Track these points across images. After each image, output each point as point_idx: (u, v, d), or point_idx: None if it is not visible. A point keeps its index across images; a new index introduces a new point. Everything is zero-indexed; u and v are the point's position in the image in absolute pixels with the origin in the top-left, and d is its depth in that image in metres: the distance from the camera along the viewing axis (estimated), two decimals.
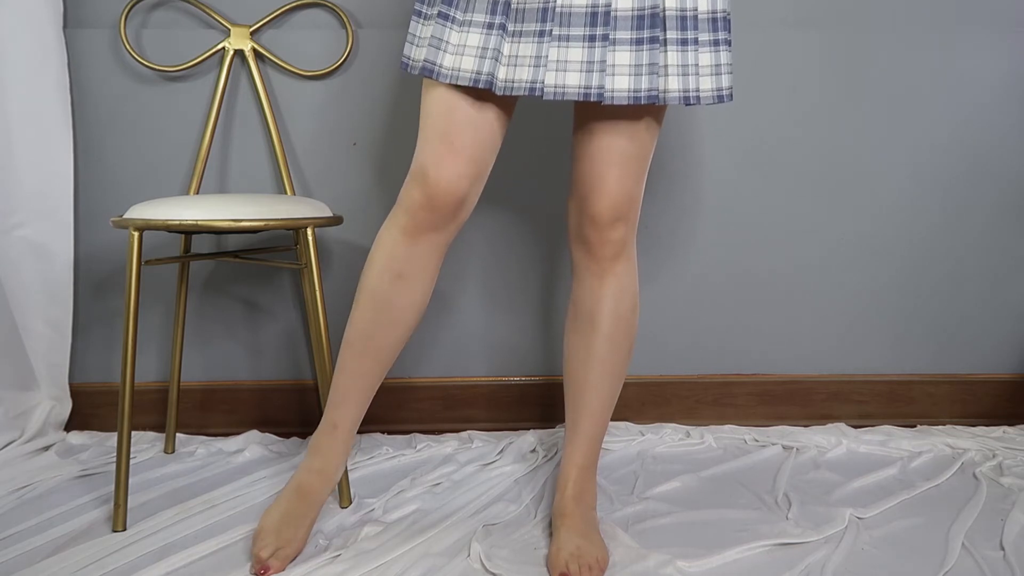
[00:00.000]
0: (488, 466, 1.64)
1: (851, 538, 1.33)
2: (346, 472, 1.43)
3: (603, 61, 1.14)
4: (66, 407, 1.82)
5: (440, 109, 1.21)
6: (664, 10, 1.15)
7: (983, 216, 1.89)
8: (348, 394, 1.32)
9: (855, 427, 1.85)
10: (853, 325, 1.92)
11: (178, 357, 1.72)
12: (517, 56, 1.16)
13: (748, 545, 1.30)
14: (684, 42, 1.16)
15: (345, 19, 1.78)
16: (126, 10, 1.73)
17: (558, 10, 1.14)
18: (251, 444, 1.73)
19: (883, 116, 1.86)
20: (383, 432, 1.84)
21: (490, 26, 1.17)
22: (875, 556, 1.29)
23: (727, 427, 1.87)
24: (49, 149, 1.73)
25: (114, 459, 1.65)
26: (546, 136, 1.83)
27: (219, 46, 1.74)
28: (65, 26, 1.74)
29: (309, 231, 1.45)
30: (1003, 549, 1.30)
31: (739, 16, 1.78)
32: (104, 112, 1.81)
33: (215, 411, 1.88)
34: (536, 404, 1.90)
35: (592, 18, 1.14)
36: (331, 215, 1.52)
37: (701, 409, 1.91)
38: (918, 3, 1.83)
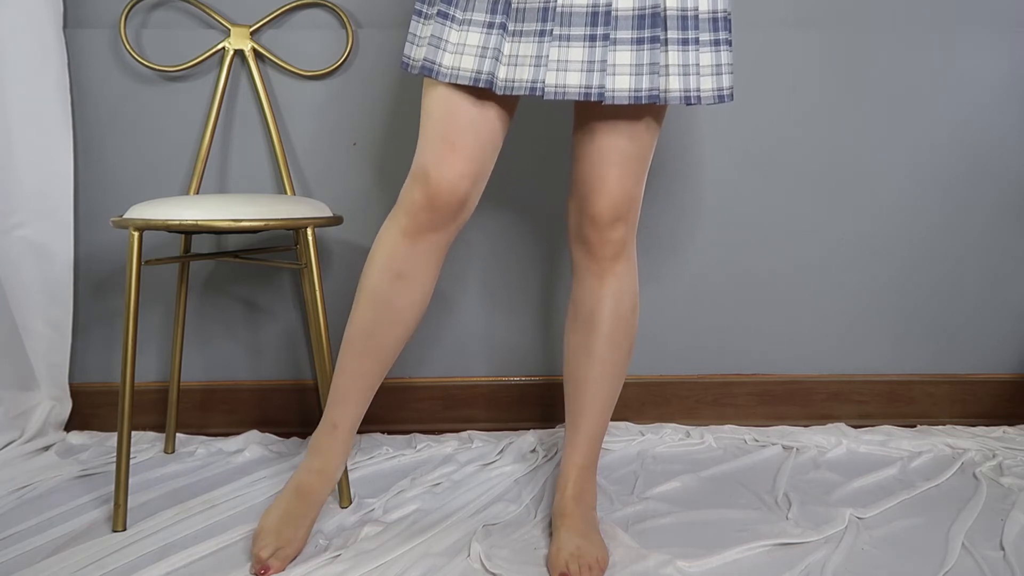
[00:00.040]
0: (488, 466, 1.64)
1: (851, 538, 1.33)
2: (346, 472, 1.43)
3: (604, 61, 1.14)
4: (66, 407, 1.82)
5: (441, 109, 1.20)
6: (665, 10, 1.15)
7: (983, 216, 1.89)
8: (348, 394, 1.32)
9: (855, 427, 1.85)
10: (853, 325, 1.92)
11: (178, 357, 1.72)
12: (517, 56, 1.16)
13: (748, 545, 1.30)
14: (685, 42, 1.16)
15: (345, 19, 1.78)
16: (126, 10, 1.73)
17: (559, 10, 1.14)
18: (251, 444, 1.73)
19: (883, 116, 1.86)
20: (383, 432, 1.84)
21: (490, 25, 1.17)
22: (875, 556, 1.29)
23: (727, 427, 1.87)
24: (49, 149, 1.73)
25: (114, 459, 1.65)
26: (546, 136, 1.83)
27: (219, 46, 1.74)
28: (65, 26, 1.74)
29: (309, 231, 1.45)
30: (1003, 549, 1.30)
31: (739, 16, 1.78)
32: (104, 112, 1.81)
33: (215, 411, 1.88)
34: (536, 404, 1.90)
35: (593, 18, 1.14)
36: (331, 215, 1.52)
37: (701, 409, 1.91)
38: (918, 3, 1.83)
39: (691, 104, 1.18)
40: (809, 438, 1.78)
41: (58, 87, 1.72)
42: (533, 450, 1.71)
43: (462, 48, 1.17)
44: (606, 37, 1.14)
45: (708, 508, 1.46)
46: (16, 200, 1.72)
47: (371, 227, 1.83)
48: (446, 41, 1.18)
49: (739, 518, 1.42)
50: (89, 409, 1.85)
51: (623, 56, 1.14)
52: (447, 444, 1.75)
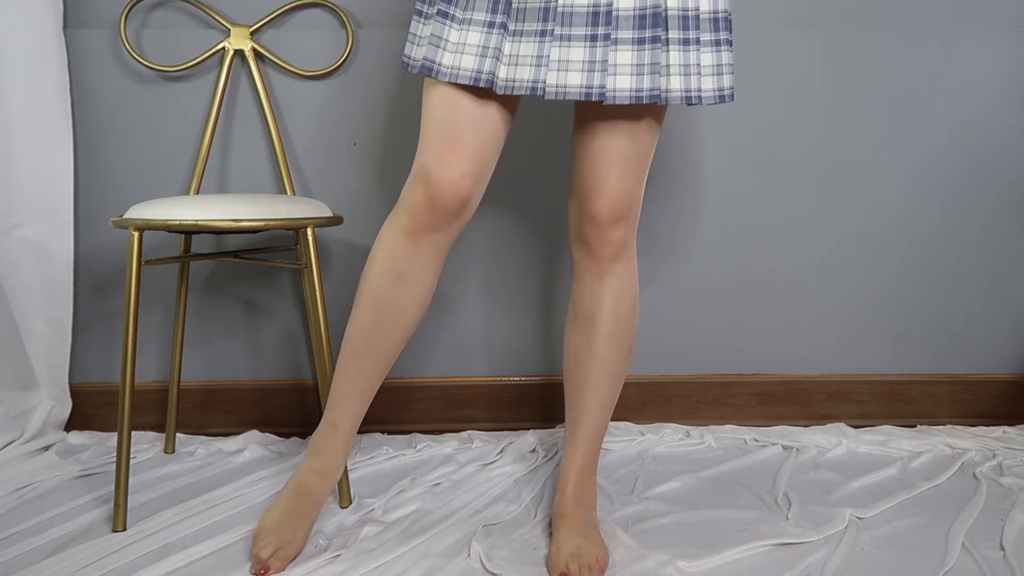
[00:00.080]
0: (488, 466, 1.64)
1: (851, 538, 1.33)
2: (346, 472, 1.43)
3: (605, 61, 1.14)
4: (66, 407, 1.82)
5: (442, 109, 1.20)
6: (666, 10, 1.15)
7: (983, 216, 1.89)
8: (348, 394, 1.32)
9: (855, 427, 1.85)
10: (853, 325, 1.92)
11: (178, 357, 1.72)
12: (518, 55, 1.16)
13: (748, 545, 1.30)
14: (686, 42, 1.16)
15: (345, 19, 1.78)
16: (126, 10, 1.73)
17: (559, 10, 1.14)
18: (251, 444, 1.73)
19: (883, 116, 1.86)
20: (383, 432, 1.84)
21: (491, 25, 1.16)
22: (875, 556, 1.28)
23: (727, 427, 1.87)
24: (49, 149, 1.73)
25: (114, 459, 1.65)
26: (546, 136, 1.83)
27: (219, 46, 1.74)
28: (65, 26, 1.74)
29: (309, 231, 1.45)
30: (1003, 549, 1.30)
31: (739, 16, 1.78)
32: (104, 112, 1.81)
33: (215, 411, 1.88)
34: (536, 404, 1.90)
35: (594, 18, 1.14)
36: (331, 215, 1.52)
37: (701, 409, 1.91)
38: (918, 3, 1.83)
39: (692, 104, 1.18)
40: (809, 438, 1.78)
41: (58, 87, 1.72)
42: (533, 450, 1.71)
43: (462, 47, 1.17)
44: (607, 37, 1.14)
45: (708, 508, 1.46)
46: (16, 200, 1.72)
47: (371, 227, 1.83)
48: (446, 40, 1.18)
49: (739, 518, 1.42)
50: (89, 409, 1.85)
51: (624, 56, 1.14)
52: (447, 444, 1.75)
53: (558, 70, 1.15)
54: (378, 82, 1.82)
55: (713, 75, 1.18)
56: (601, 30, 1.14)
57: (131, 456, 1.57)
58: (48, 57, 1.70)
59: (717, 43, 1.18)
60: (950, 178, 1.88)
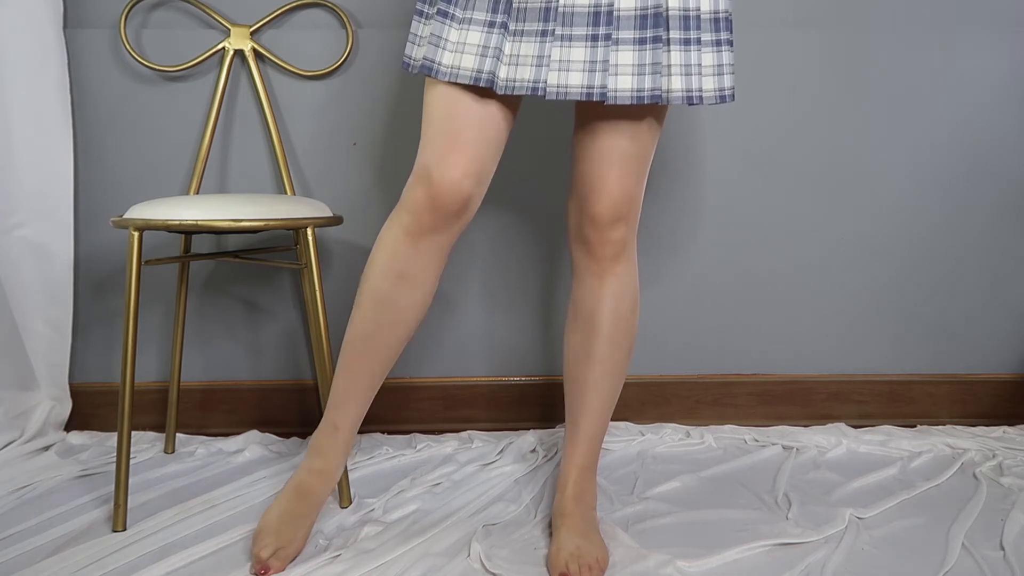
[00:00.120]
0: (488, 466, 1.64)
1: (851, 538, 1.33)
2: (346, 472, 1.43)
3: (606, 61, 1.14)
4: (66, 407, 1.82)
5: (443, 108, 1.20)
6: (667, 10, 1.15)
7: (983, 216, 1.89)
8: (349, 394, 1.32)
9: (855, 427, 1.85)
10: (853, 325, 1.92)
11: (178, 357, 1.72)
12: (519, 55, 1.16)
13: (748, 545, 1.30)
14: (687, 42, 1.16)
15: (345, 19, 1.78)
16: (126, 10, 1.73)
17: (560, 10, 1.14)
18: (251, 444, 1.73)
19: (883, 116, 1.86)
20: (383, 432, 1.84)
21: (491, 24, 1.16)
22: (875, 556, 1.29)
23: (727, 427, 1.87)
24: (49, 149, 1.73)
25: (114, 459, 1.65)
26: (547, 136, 1.83)
27: (219, 46, 1.74)
28: (65, 26, 1.74)
29: (309, 231, 1.45)
30: (1003, 549, 1.30)
31: (739, 16, 1.78)
32: (104, 112, 1.81)
33: (215, 411, 1.88)
34: (536, 404, 1.90)
35: (595, 18, 1.14)
36: (331, 215, 1.52)
37: (701, 409, 1.91)
38: (918, 3, 1.83)
39: (693, 104, 1.18)
40: (809, 438, 1.78)
41: (58, 87, 1.72)
42: (533, 450, 1.71)
43: (462, 47, 1.17)
44: (608, 37, 1.14)
45: (708, 508, 1.46)
46: (16, 200, 1.72)
47: (371, 227, 1.83)
48: (446, 40, 1.18)
49: (739, 518, 1.42)
50: (89, 409, 1.85)
51: (625, 56, 1.14)
52: (447, 444, 1.75)
53: (559, 70, 1.15)
54: (378, 82, 1.82)
55: (714, 75, 1.18)
56: (602, 30, 1.14)
57: (131, 456, 1.57)
58: (48, 57, 1.70)
59: (718, 43, 1.18)
60: (950, 178, 1.88)
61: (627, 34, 1.14)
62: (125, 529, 1.35)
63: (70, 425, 1.83)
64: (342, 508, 1.44)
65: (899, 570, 1.24)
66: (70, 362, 1.82)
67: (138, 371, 1.85)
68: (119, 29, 1.74)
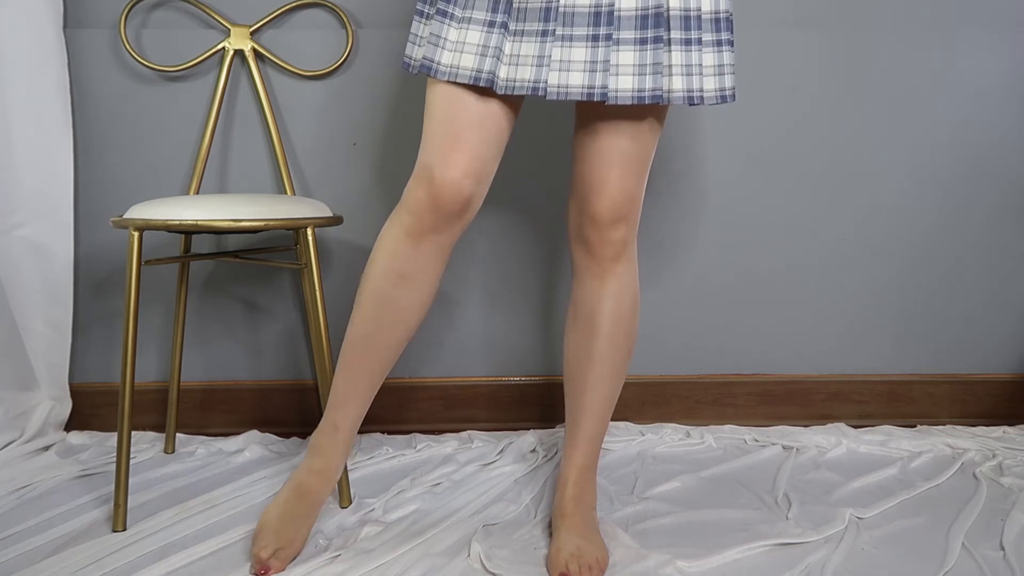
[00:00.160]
0: (488, 466, 1.64)
1: (851, 538, 1.33)
2: (346, 472, 1.43)
3: (607, 61, 1.14)
4: (66, 407, 1.82)
5: (445, 108, 1.20)
6: (668, 10, 1.15)
7: (983, 216, 1.89)
8: (349, 395, 1.32)
9: (855, 427, 1.85)
10: (853, 325, 1.92)
11: (178, 357, 1.72)
12: (519, 55, 1.16)
13: (748, 545, 1.30)
14: (688, 42, 1.16)
15: (345, 19, 1.78)
16: (126, 10, 1.73)
17: (561, 10, 1.14)
18: (251, 444, 1.73)
19: (883, 116, 1.86)
20: (383, 432, 1.84)
21: (491, 24, 1.16)
22: (875, 556, 1.29)
23: (727, 427, 1.87)
24: (49, 149, 1.73)
25: (114, 459, 1.65)
26: (547, 136, 1.83)
27: (219, 46, 1.74)
28: (65, 26, 1.74)
29: (309, 231, 1.45)
30: (1003, 549, 1.30)
31: (739, 16, 1.78)
32: (104, 112, 1.81)
33: (215, 411, 1.88)
34: (536, 404, 1.90)
35: (595, 18, 1.14)
36: (331, 215, 1.52)
37: (701, 409, 1.91)
38: (918, 3, 1.83)
39: (694, 104, 1.17)
40: (809, 438, 1.78)
41: (58, 87, 1.72)
42: (533, 450, 1.71)
43: (461, 46, 1.17)
44: (609, 37, 1.14)
45: (708, 508, 1.46)
46: (16, 200, 1.72)
47: (371, 227, 1.83)
48: (445, 39, 1.18)
49: (739, 518, 1.42)
50: (89, 409, 1.85)
51: (626, 56, 1.14)
52: (447, 444, 1.75)
53: (560, 70, 1.15)
54: (378, 82, 1.82)
55: (715, 75, 1.18)
56: (603, 30, 1.14)
57: (131, 456, 1.57)
58: (48, 57, 1.70)
59: (719, 43, 1.18)
60: (950, 178, 1.88)
61: (628, 34, 1.14)
62: (125, 529, 1.35)
63: (70, 425, 1.83)
64: (342, 508, 1.44)
65: (899, 570, 1.24)
66: (70, 362, 1.82)
67: (138, 371, 1.85)
68: (119, 29, 1.74)
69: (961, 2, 1.83)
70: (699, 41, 1.16)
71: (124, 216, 1.42)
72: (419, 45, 1.22)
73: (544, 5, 1.15)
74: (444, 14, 1.18)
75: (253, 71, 1.74)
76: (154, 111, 1.81)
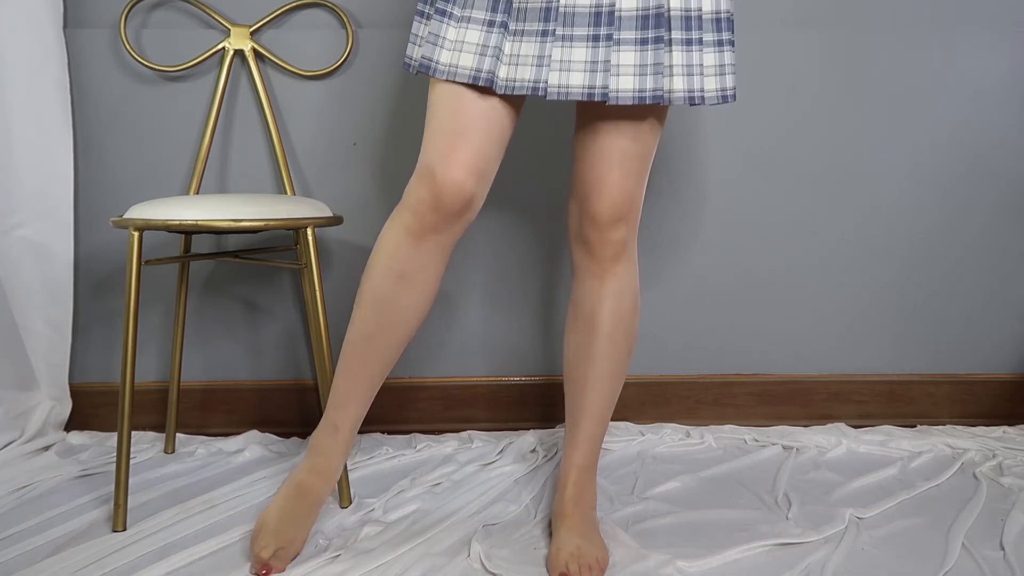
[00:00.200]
0: (488, 466, 1.64)
1: (851, 538, 1.33)
2: (346, 472, 1.43)
3: (607, 61, 1.14)
4: (66, 407, 1.82)
5: (447, 107, 1.19)
6: (669, 10, 1.14)
7: (983, 216, 1.89)
8: (349, 395, 1.32)
9: (855, 427, 1.85)
10: (853, 325, 1.92)
11: (178, 357, 1.72)
12: (519, 55, 1.16)
13: (748, 545, 1.30)
14: (689, 42, 1.16)
15: (345, 19, 1.78)
16: (126, 10, 1.73)
17: (561, 10, 1.14)
18: (251, 444, 1.73)
19: (883, 116, 1.86)
20: (383, 432, 1.84)
21: (490, 23, 1.16)
22: (875, 556, 1.29)
23: (727, 427, 1.87)
24: (49, 149, 1.73)
25: (114, 459, 1.65)
26: (547, 136, 1.83)
27: (219, 46, 1.74)
28: (65, 26, 1.74)
29: (309, 231, 1.45)
30: (1003, 549, 1.30)
31: (739, 16, 1.78)
32: (104, 112, 1.81)
33: (215, 411, 1.88)
34: (536, 404, 1.90)
35: (596, 18, 1.14)
36: (331, 215, 1.52)
37: (701, 409, 1.91)
38: (918, 3, 1.83)
39: (695, 104, 1.18)
40: (809, 438, 1.78)
41: (58, 87, 1.72)
42: (533, 450, 1.71)
43: (460, 45, 1.17)
44: (609, 37, 1.14)
45: (708, 508, 1.46)
46: (16, 200, 1.72)
47: (371, 227, 1.83)
48: (443, 38, 1.18)
49: (739, 518, 1.42)
50: (89, 409, 1.85)
51: (627, 56, 1.14)
52: (447, 444, 1.75)
53: (560, 70, 1.15)
54: (378, 82, 1.82)
55: (716, 75, 1.18)
56: (603, 30, 1.14)
57: (131, 456, 1.57)
58: (48, 57, 1.70)
59: (719, 43, 1.18)
60: (950, 178, 1.88)
61: (628, 34, 1.14)
62: (125, 529, 1.35)
63: (70, 425, 1.83)
64: (342, 508, 1.44)
65: (899, 570, 1.24)
66: (70, 362, 1.82)
67: (138, 371, 1.85)
68: (119, 29, 1.74)
69: (961, 2, 1.83)
70: (700, 41, 1.16)
71: (124, 216, 1.42)
72: (419, 45, 1.22)
73: (544, 5, 1.15)
74: (443, 13, 1.18)
75: (253, 71, 1.74)
76: (154, 111, 1.81)
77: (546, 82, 1.15)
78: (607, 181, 1.24)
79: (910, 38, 1.84)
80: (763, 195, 1.88)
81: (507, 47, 1.16)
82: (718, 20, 1.18)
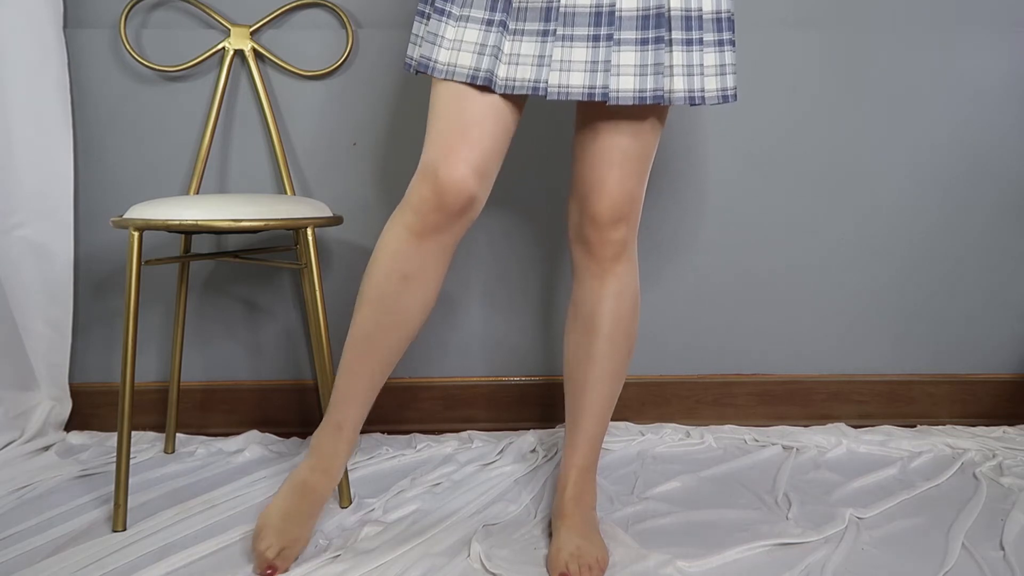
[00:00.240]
0: (488, 466, 1.64)
1: (851, 538, 1.33)
2: (346, 472, 1.43)
3: (608, 61, 1.14)
4: (66, 407, 1.82)
5: (449, 106, 1.19)
6: (669, 10, 1.14)
7: (983, 216, 1.89)
8: (352, 394, 1.31)
9: (855, 427, 1.85)
10: (853, 325, 1.92)
11: (178, 357, 1.72)
12: (519, 55, 1.16)
13: (748, 545, 1.30)
14: (689, 42, 1.16)
15: (345, 19, 1.78)
16: (126, 10, 1.73)
17: (562, 10, 1.14)
18: (251, 444, 1.73)
19: (883, 116, 1.86)
20: (383, 432, 1.84)
21: (489, 23, 1.16)
22: (875, 556, 1.29)
23: (727, 427, 1.87)
24: (49, 149, 1.73)
25: (114, 459, 1.65)
26: (547, 136, 1.83)
27: (219, 46, 1.74)
28: (65, 26, 1.74)
29: (309, 231, 1.45)
30: (1003, 549, 1.30)
31: (740, 16, 1.78)
32: (104, 112, 1.81)
33: (215, 411, 1.88)
34: (536, 404, 1.90)
35: (596, 18, 1.14)
36: (331, 215, 1.52)
37: (701, 409, 1.91)
38: (918, 3, 1.83)
39: (695, 104, 1.17)
40: (809, 438, 1.78)
41: (58, 87, 1.72)
42: (533, 450, 1.71)
43: (459, 44, 1.17)
44: (610, 37, 1.14)
45: (708, 508, 1.46)
46: (16, 200, 1.72)
47: (371, 227, 1.83)
48: (442, 37, 1.17)
49: (739, 518, 1.42)
50: (89, 409, 1.85)
51: (627, 56, 1.14)
52: (447, 444, 1.75)
53: (560, 70, 1.15)
54: (378, 82, 1.82)
55: (716, 75, 1.18)
56: (604, 30, 1.13)
57: (131, 456, 1.57)
58: (48, 57, 1.70)
59: (720, 43, 1.18)
60: (950, 178, 1.88)
61: (629, 34, 1.14)
62: (125, 529, 1.35)
63: (70, 425, 1.83)
64: (342, 508, 1.44)
65: (899, 570, 1.24)
66: (70, 362, 1.82)
67: (138, 371, 1.85)
68: (119, 29, 1.74)
69: (961, 2, 1.83)
70: (700, 41, 1.16)
71: (124, 216, 1.42)
72: (418, 45, 1.22)
73: (545, 5, 1.15)
74: (442, 12, 1.17)
75: (253, 71, 1.74)
76: (154, 111, 1.81)
77: (546, 82, 1.15)
78: (607, 181, 1.24)
79: (910, 38, 1.84)
80: (763, 195, 1.88)
81: (507, 46, 1.16)
82: (719, 20, 1.18)
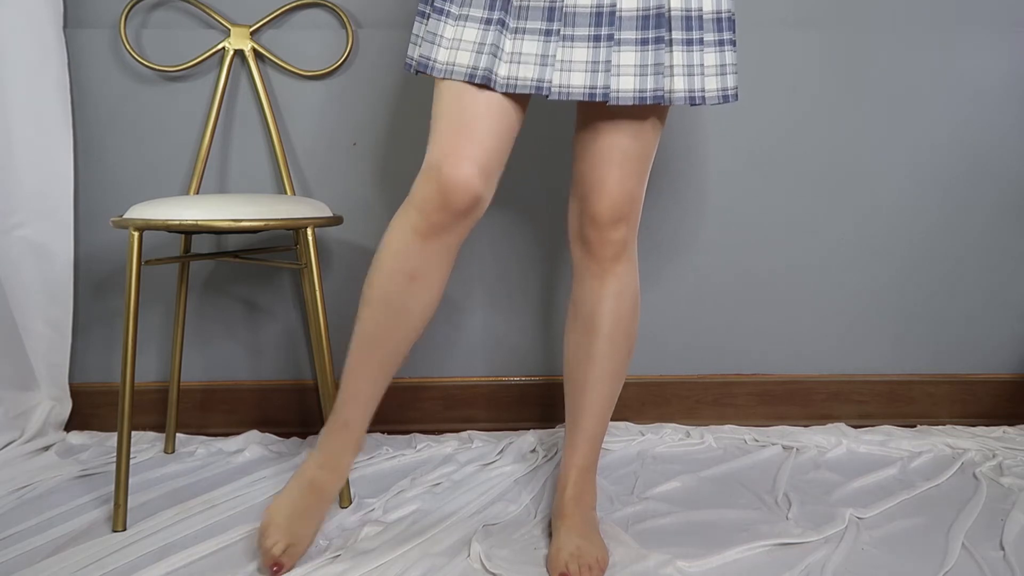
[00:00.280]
0: (488, 466, 1.64)
1: (851, 538, 1.33)
2: None
3: (608, 61, 1.14)
4: (66, 407, 1.82)
5: (452, 105, 1.18)
6: (669, 10, 1.14)
7: (983, 216, 1.89)
8: (358, 395, 1.30)
9: (855, 427, 1.85)
10: (853, 325, 1.92)
11: (178, 357, 1.72)
12: (521, 54, 1.16)
13: (748, 545, 1.30)
14: (689, 42, 1.16)
15: (345, 19, 1.78)
16: (126, 10, 1.73)
17: (565, 9, 1.14)
18: (251, 444, 1.73)
19: (883, 116, 1.86)
20: (383, 432, 1.84)
21: (488, 22, 1.16)
22: (875, 556, 1.29)
23: (727, 427, 1.87)
24: (49, 149, 1.73)
25: (114, 459, 1.64)
26: (547, 136, 1.83)
27: (219, 46, 1.74)
28: (65, 26, 1.74)
29: (309, 231, 1.45)
30: (1003, 549, 1.30)
31: (740, 16, 1.78)
32: (104, 112, 1.81)
33: (215, 411, 1.88)
34: (536, 404, 1.90)
35: (597, 18, 1.13)
36: (331, 215, 1.52)
37: (701, 409, 1.91)
38: (918, 3, 1.83)
39: (696, 104, 1.17)
40: (809, 438, 1.78)
41: (58, 87, 1.72)
42: (533, 450, 1.71)
43: (458, 44, 1.16)
44: (610, 37, 1.13)
45: (708, 508, 1.46)
46: (16, 200, 1.72)
47: (371, 227, 1.83)
48: (441, 36, 1.17)
49: (739, 518, 1.42)
50: (89, 409, 1.85)
51: (628, 56, 1.14)
52: (447, 444, 1.75)
53: (561, 70, 1.15)
54: (378, 82, 1.82)
55: (717, 75, 1.18)
56: (604, 30, 1.13)
57: (131, 456, 1.57)
58: (48, 57, 1.70)
59: (720, 43, 1.18)
60: (950, 178, 1.88)
61: (629, 35, 1.14)
62: (125, 529, 1.35)
63: (70, 425, 1.83)
64: (342, 508, 1.44)
65: (899, 570, 1.24)
66: (70, 362, 1.82)
67: (138, 371, 1.85)
68: (119, 29, 1.74)
69: (961, 2, 1.83)
70: (701, 41, 1.16)
71: (124, 216, 1.42)
72: (418, 45, 1.22)
73: (547, 4, 1.15)
74: (441, 12, 1.17)
75: (253, 71, 1.74)
76: (154, 111, 1.81)
77: (549, 81, 1.15)
78: (607, 181, 1.24)
79: (910, 38, 1.84)
80: (763, 195, 1.88)
81: (507, 45, 1.16)
82: (719, 20, 1.18)
